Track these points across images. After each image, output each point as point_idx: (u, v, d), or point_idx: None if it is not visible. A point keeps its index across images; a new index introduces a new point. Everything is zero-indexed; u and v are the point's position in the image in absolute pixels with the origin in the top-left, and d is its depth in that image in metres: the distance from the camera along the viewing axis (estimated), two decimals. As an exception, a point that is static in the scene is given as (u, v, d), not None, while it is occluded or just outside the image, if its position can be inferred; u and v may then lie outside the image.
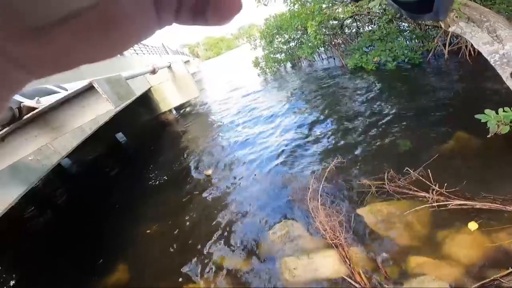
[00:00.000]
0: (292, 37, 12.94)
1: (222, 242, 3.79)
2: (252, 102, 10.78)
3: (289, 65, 15.30)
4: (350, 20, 11.68)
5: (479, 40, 3.47)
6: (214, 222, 4.23)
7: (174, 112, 12.79)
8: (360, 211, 3.40)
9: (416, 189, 3.30)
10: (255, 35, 16.37)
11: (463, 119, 3.58)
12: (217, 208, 4.56)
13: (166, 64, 11.69)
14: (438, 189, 3.16)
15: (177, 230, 4.39)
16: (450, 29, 3.71)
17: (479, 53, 3.94)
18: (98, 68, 6.64)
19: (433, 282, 2.44)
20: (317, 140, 5.73)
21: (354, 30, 12.19)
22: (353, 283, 2.63)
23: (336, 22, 11.26)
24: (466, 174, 3.35)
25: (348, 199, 3.64)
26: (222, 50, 71.48)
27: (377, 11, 9.35)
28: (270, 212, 4.00)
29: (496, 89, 4.95)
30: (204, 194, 5.17)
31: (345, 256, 2.88)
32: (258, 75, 15.66)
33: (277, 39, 13.79)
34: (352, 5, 10.48)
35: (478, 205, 2.90)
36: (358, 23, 11.91)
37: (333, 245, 3.03)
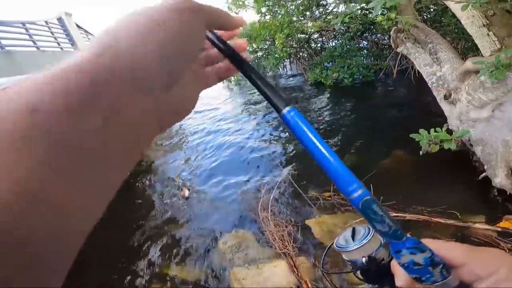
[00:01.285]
0: (260, 47, 13.15)
1: (170, 252, 3.65)
2: (211, 109, 10.57)
3: None
4: (317, 34, 12.26)
5: (421, 61, 3.75)
6: (161, 232, 4.08)
7: None
8: (307, 222, 3.53)
9: (358, 202, 3.53)
10: None
11: (401, 137, 3.94)
12: (164, 218, 4.40)
13: None
14: (376, 202, 3.41)
15: (118, 231, 4.13)
16: (398, 50, 3.97)
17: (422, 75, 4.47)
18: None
19: None
20: (270, 151, 5.84)
21: (319, 45, 12.77)
22: (301, 292, 2.70)
23: (303, 35, 11.68)
24: (401, 188, 3.68)
25: (297, 210, 3.76)
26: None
27: (342, 28, 9.93)
28: (220, 221, 3.98)
29: (434, 110, 5.54)
30: (142, 196, 5.02)
31: (293, 265, 2.95)
32: (223, 81, 15.52)
33: None
34: (320, 20, 11.03)
35: (408, 216, 3.19)
36: (324, 38, 12.55)
37: (282, 254, 3.10)
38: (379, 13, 2.74)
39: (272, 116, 8.50)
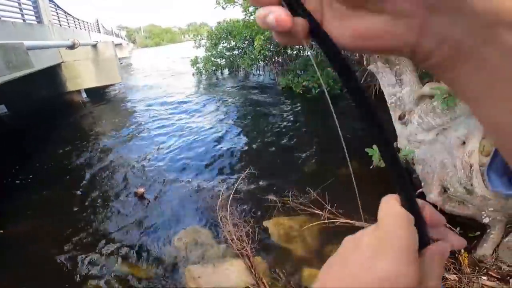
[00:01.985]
0: (238, 45, 13.08)
1: (122, 248, 3.45)
2: (179, 102, 10.30)
3: (226, 71, 15.40)
4: (296, 41, 12.58)
5: (386, 81, 3.97)
6: (112, 226, 3.85)
7: (84, 94, 11.27)
8: (265, 223, 3.60)
9: (313, 207, 3.70)
10: (203, 34, 15.85)
11: (356, 150, 4.24)
12: (118, 211, 4.16)
13: (91, 42, 10.64)
14: (329, 208, 3.62)
15: (69, 230, 3.79)
16: (369, 67, 4.17)
17: (382, 94, 4.79)
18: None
19: None
20: (232, 151, 5.84)
21: (295, 52, 13.08)
22: (257, 291, 2.73)
23: (282, 41, 11.90)
24: (351, 196, 3.93)
25: (256, 211, 3.81)
26: (164, 41, 67.46)
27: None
28: (177, 219, 3.87)
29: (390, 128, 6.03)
30: (94, 194, 4.66)
31: (251, 265, 2.97)
32: (193, 74, 15.23)
33: (223, 43, 13.61)
34: None
35: (357, 223, 3.44)
36: (301, 46, 12.86)
37: (239, 254, 3.10)
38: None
39: (235, 113, 8.58)
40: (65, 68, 9.87)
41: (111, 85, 12.47)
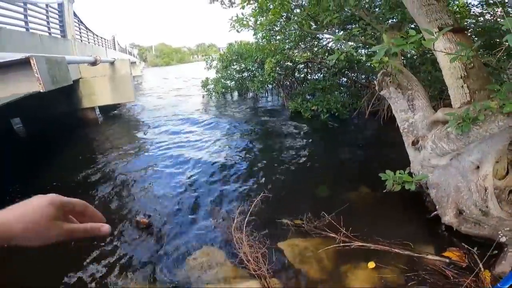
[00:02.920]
0: (248, 68, 13.35)
1: (137, 268, 3.44)
2: (189, 124, 10.42)
3: (236, 94, 15.72)
4: (303, 65, 12.91)
5: (398, 106, 4.01)
6: (128, 246, 3.84)
7: (97, 112, 11.49)
8: (280, 244, 3.60)
9: (328, 230, 3.72)
10: (212, 55, 16.36)
11: (368, 174, 4.29)
12: (132, 208, 4.29)
13: (109, 59, 10.81)
14: (344, 232, 3.62)
15: (76, 253, 3.81)
16: (382, 92, 4.18)
17: (391, 118, 4.84)
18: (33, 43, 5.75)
19: None
20: (244, 174, 5.88)
21: (303, 75, 13.46)
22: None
23: (291, 64, 12.24)
24: (365, 220, 3.96)
25: (270, 234, 3.80)
26: (173, 61, 69.37)
27: (332, 63, 10.57)
28: (191, 239, 3.87)
29: (402, 153, 6.08)
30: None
31: (268, 286, 2.96)
32: (203, 96, 15.59)
33: (233, 65, 13.90)
34: (309, 52, 11.64)
35: (372, 246, 3.42)
36: (309, 69, 13.25)
37: (256, 276, 3.08)
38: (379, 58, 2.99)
39: (246, 137, 8.73)
40: (82, 84, 9.96)
41: (123, 103, 12.80)
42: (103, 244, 3.78)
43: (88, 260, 3.50)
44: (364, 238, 3.57)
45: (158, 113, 12.41)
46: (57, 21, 8.70)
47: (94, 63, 8.85)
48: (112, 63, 10.40)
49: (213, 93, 14.63)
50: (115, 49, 24.06)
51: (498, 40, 5.29)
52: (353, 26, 7.35)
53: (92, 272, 3.35)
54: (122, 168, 6.42)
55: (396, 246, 3.44)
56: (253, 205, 4.07)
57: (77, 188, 5.52)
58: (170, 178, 5.83)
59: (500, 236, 3.21)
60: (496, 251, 3.15)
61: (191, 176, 5.86)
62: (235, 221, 3.81)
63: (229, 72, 14.14)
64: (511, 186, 3.55)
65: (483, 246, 3.28)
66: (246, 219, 3.84)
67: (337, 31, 8.02)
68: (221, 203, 4.77)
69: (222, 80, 14.29)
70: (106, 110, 12.05)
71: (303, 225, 3.89)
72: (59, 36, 8.64)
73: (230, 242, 3.66)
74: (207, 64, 15.36)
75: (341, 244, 3.47)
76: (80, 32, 11.71)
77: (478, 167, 3.37)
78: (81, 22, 12.41)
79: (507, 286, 2.36)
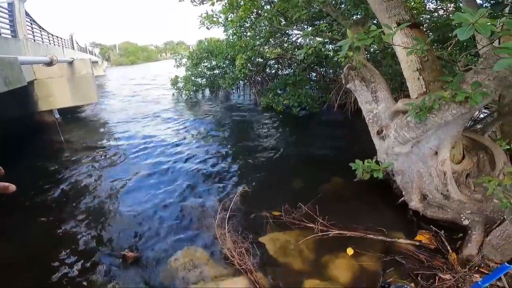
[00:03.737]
0: (219, 65, 13.26)
1: (119, 271, 3.34)
2: (159, 123, 10.10)
3: (207, 91, 15.58)
4: (274, 61, 13.07)
5: (363, 98, 4.25)
6: (106, 249, 3.72)
7: (57, 114, 10.69)
8: (261, 239, 3.68)
9: (306, 220, 3.87)
10: (181, 53, 15.96)
11: (340, 164, 4.51)
12: (113, 235, 4.03)
13: (68, 59, 10.14)
14: (321, 221, 3.80)
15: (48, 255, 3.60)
16: (348, 85, 4.42)
17: (358, 110, 5.14)
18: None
19: None
20: (223, 172, 5.89)
21: (274, 71, 13.66)
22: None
23: (261, 60, 12.34)
24: (340, 209, 4.19)
25: (253, 227, 3.88)
26: (140, 60, 66.51)
27: (301, 58, 10.80)
28: (171, 240, 3.82)
29: (370, 143, 6.43)
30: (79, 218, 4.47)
31: (255, 280, 3.00)
32: (173, 94, 15.32)
33: (204, 63, 13.81)
34: (279, 48, 11.78)
35: (348, 234, 3.62)
36: (279, 65, 13.48)
37: (242, 270, 3.12)
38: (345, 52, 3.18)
39: (220, 133, 8.70)
40: (37, 85, 9.18)
41: (86, 104, 11.96)
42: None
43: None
44: (340, 226, 3.75)
45: (125, 114, 11.87)
46: (7, 21, 8.03)
47: (50, 64, 8.26)
48: (70, 63, 9.79)
49: (184, 91, 14.40)
50: (73, 49, 22.50)
51: (450, 34, 5.74)
52: (321, 22, 7.60)
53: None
54: (86, 178, 5.82)
55: (371, 232, 3.66)
56: (233, 201, 4.12)
57: (35, 209, 4.65)
58: (142, 183, 5.59)
59: (462, 219, 3.50)
60: (461, 234, 3.44)
61: (166, 178, 5.73)
62: (217, 218, 3.84)
63: (199, 69, 13.99)
64: (468, 169, 3.94)
65: (450, 229, 3.56)
66: (228, 215, 3.88)
67: (305, 27, 8.24)
68: (200, 202, 4.74)
69: (193, 77, 14.10)
70: (67, 112, 11.22)
71: (281, 217, 4.01)
72: (10, 37, 7.95)
73: (212, 240, 3.68)
74: (176, 62, 15.02)
75: (319, 233, 3.63)
76: (33, 32, 10.88)
77: (436, 153, 3.69)
78: (34, 21, 11.54)
79: (487, 285, 2.49)
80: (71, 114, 11.59)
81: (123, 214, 4.45)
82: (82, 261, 3.45)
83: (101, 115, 12.10)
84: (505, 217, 3.01)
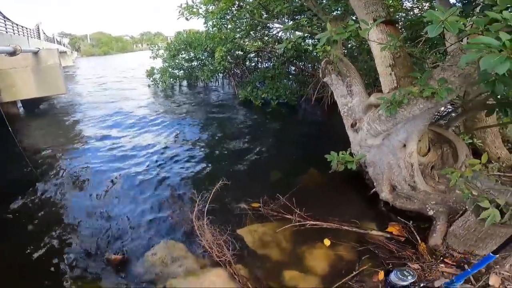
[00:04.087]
0: (197, 56, 13.12)
1: (94, 268, 3.25)
2: (133, 116, 9.73)
3: (185, 83, 15.33)
4: (254, 54, 13.04)
5: (339, 92, 4.39)
6: (78, 246, 3.59)
7: (20, 106, 10.14)
8: (240, 231, 3.72)
9: (283, 212, 3.95)
10: (158, 44, 15.59)
11: (316, 156, 4.63)
12: (85, 230, 3.90)
13: (33, 49, 9.85)
14: (299, 212, 3.89)
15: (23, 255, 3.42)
16: (325, 79, 4.54)
17: (334, 103, 5.27)
18: None
19: None
20: (202, 166, 5.86)
21: (253, 64, 13.65)
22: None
23: (241, 53, 12.26)
24: (317, 200, 4.30)
25: (230, 219, 3.91)
26: (113, 50, 63.57)
27: (281, 52, 10.81)
28: (149, 235, 3.77)
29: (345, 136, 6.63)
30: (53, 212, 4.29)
31: (234, 272, 3.02)
32: (149, 86, 14.94)
33: (182, 54, 13.61)
34: (259, 41, 11.74)
35: (325, 225, 3.73)
36: (259, 58, 13.46)
37: (221, 263, 3.13)
38: (322, 45, 3.27)
39: (198, 126, 8.60)
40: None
41: (53, 96, 11.38)
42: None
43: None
44: (316, 217, 3.85)
45: (96, 106, 11.31)
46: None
47: (13, 53, 7.96)
48: (36, 53, 9.48)
49: (160, 82, 14.07)
50: (39, 39, 21.11)
51: (422, 32, 5.99)
52: (302, 16, 7.67)
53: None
54: (53, 176, 5.50)
55: (345, 223, 3.78)
56: (211, 194, 4.09)
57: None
58: (113, 178, 5.39)
59: (428, 210, 3.71)
60: (427, 224, 3.62)
61: (142, 173, 5.59)
62: (195, 210, 3.81)
63: (177, 61, 13.73)
64: (433, 161, 4.20)
65: (418, 219, 3.73)
66: (206, 207, 3.86)
67: (286, 21, 8.28)
68: (177, 196, 4.70)
69: (170, 69, 13.80)
70: (32, 104, 10.58)
71: (260, 208, 4.07)
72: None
73: (190, 233, 3.66)
74: (152, 53, 14.62)
75: (297, 224, 3.72)
76: None
77: (404, 146, 3.89)
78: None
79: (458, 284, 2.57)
80: (38, 106, 10.90)
81: (97, 215, 4.26)
82: (66, 273, 3.22)
83: (70, 107, 11.48)
84: (466, 207, 3.17)
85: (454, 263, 3.04)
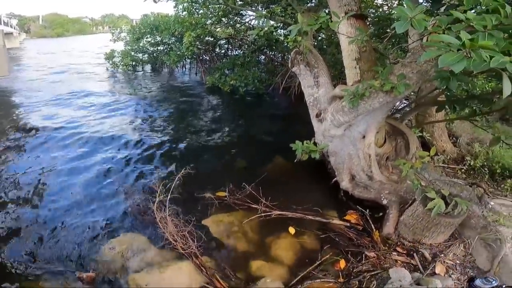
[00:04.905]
0: (164, 41, 12.53)
1: (45, 266, 2.98)
2: (88, 103, 8.97)
3: (148, 68, 14.68)
4: (224, 41, 12.66)
5: (306, 82, 4.42)
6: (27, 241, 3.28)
7: None
8: (205, 221, 3.66)
9: (250, 201, 3.95)
10: (122, 27, 14.60)
11: (281, 145, 4.67)
12: (34, 221, 3.58)
13: None
14: (264, 202, 3.92)
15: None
16: (293, 69, 4.55)
17: (301, 94, 5.33)
18: None
19: (272, 283, 2.91)
20: (163, 154, 5.66)
21: (223, 51, 13.34)
22: (214, 289, 2.70)
23: (212, 39, 11.85)
24: (281, 190, 4.36)
25: (195, 210, 3.83)
26: (69, 32, 57.86)
27: (252, 39, 10.62)
28: (106, 229, 3.55)
29: (309, 126, 6.79)
30: None
31: (200, 264, 2.95)
32: (107, 69, 14.08)
33: (147, 38, 12.93)
34: (231, 28, 11.41)
35: (290, 214, 3.82)
36: (230, 45, 13.15)
37: (186, 255, 3.04)
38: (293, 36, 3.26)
39: (161, 112, 8.23)
40: None
41: None
42: None
43: None
44: (281, 207, 3.92)
45: (44, 89, 10.34)
46: None
47: None
48: None
49: (120, 66, 13.27)
50: None
51: (388, 30, 6.25)
52: (276, 5, 7.57)
53: None
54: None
55: (309, 212, 3.89)
56: (174, 183, 3.93)
57: None
58: (69, 169, 5.01)
59: (382, 199, 3.93)
60: (381, 213, 3.83)
61: (98, 163, 5.24)
62: (156, 201, 3.65)
63: (141, 44, 13.07)
64: (388, 153, 4.45)
65: (374, 208, 3.92)
66: (168, 197, 3.72)
67: (260, 9, 8.13)
68: (137, 186, 4.50)
69: (132, 52, 13.10)
70: None
71: (226, 198, 4.03)
72: None
73: (152, 225, 3.51)
74: (113, 36, 13.68)
75: (263, 214, 3.75)
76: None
77: (364, 137, 4.07)
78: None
79: None
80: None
81: (52, 212, 3.91)
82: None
83: (13, 91, 10.24)
84: (415, 197, 3.37)
85: (405, 252, 3.24)
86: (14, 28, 33.72)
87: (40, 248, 3.23)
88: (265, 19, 7.27)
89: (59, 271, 2.93)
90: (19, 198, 4.14)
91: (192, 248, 3.08)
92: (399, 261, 3.12)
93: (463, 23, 1.74)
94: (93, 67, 15.54)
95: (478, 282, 2.59)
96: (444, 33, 1.77)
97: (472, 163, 4.60)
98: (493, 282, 2.52)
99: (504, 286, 2.59)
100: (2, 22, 27.61)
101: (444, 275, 2.91)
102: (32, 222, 3.65)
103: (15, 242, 3.30)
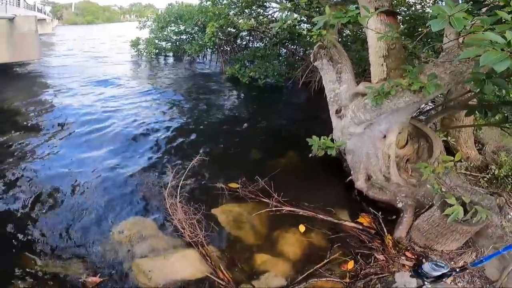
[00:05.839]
0: (187, 30, 12.65)
1: (59, 246, 3.07)
2: (113, 86, 9.38)
3: (171, 56, 14.92)
4: (246, 33, 12.61)
5: (328, 77, 4.32)
6: (42, 223, 3.38)
7: None
8: (214, 211, 3.63)
9: (261, 195, 3.88)
10: (148, 16, 14.97)
11: (297, 139, 4.57)
12: (51, 206, 3.67)
13: (8, 15, 10.00)
14: (276, 197, 3.84)
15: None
16: (315, 63, 4.44)
17: (321, 89, 5.20)
18: None
19: (275, 278, 2.86)
20: (179, 141, 5.70)
21: (245, 42, 13.30)
22: (217, 280, 2.71)
23: (234, 30, 11.82)
24: (295, 185, 4.26)
25: (206, 199, 3.80)
26: (99, 20, 59.98)
27: (274, 32, 10.48)
28: (115, 210, 3.59)
29: (327, 122, 6.60)
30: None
31: (206, 254, 2.93)
32: (132, 56, 14.42)
33: (171, 27, 13.11)
34: (254, 20, 11.36)
35: (301, 212, 3.72)
36: (251, 37, 13.09)
37: (193, 243, 3.03)
38: (318, 28, 3.16)
39: (181, 100, 8.30)
40: None
41: (27, 62, 11.03)
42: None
43: None
44: (293, 203, 3.83)
45: (72, 74, 10.65)
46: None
47: None
48: (11, 20, 9.85)
49: (144, 53, 13.56)
50: (18, 6, 19.71)
51: (420, 29, 5.93)
52: None
53: None
54: (23, 146, 5.15)
55: (321, 211, 3.78)
56: (187, 169, 3.92)
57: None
58: (89, 148, 5.19)
59: (397, 202, 3.76)
60: (394, 216, 3.69)
61: (116, 147, 5.35)
62: (168, 187, 3.65)
63: (165, 33, 13.27)
64: (409, 155, 4.26)
65: (387, 211, 3.77)
66: (180, 184, 3.71)
67: (285, 1, 7.95)
68: (152, 171, 4.54)
69: (156, 40, 13.33)
70: (4, 70, 9.99)
71: (238, 190, 3.97)
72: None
73: (160, 209, 3.53)
74: (140, 24, 14.02)
75: (273, 209, 3.68)
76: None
77: (385, 136, 3.90)
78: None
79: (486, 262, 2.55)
80: (8, 71, 10.17)
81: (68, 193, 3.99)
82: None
83: (43, 74, 10.65)
84: (433, 202, 3.24)
85: (414, 257, 3.13)
86: (48, 15, 35.42)
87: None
88: (289, 12, 7.12)
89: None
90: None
91: (199, 237, 3.07)
92: (406, 266, 3.02)
93: (507, 23, 1.64)
94: (118, 54, 15.95)
95: (426, 267, 2.50)
96: (485, 33, 1.66)
97: (496, 172, 4.33)
98: (444, 267, 2.41)
99: (454, 273, 2.51)
100: (36, 9, 29.15)
101: (450, 283, 2.80)
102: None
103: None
